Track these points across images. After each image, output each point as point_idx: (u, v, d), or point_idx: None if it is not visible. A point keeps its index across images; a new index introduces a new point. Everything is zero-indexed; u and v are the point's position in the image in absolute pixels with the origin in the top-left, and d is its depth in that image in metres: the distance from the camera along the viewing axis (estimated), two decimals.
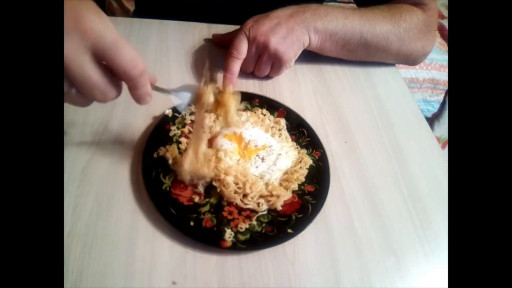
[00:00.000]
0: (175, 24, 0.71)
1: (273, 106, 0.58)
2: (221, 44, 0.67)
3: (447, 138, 1.67)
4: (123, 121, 0.53)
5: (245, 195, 0.46)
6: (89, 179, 0.47)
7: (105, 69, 0.37)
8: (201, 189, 0.47)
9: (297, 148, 0.54)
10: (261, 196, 0.47)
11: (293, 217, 0.45)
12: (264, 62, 0.61)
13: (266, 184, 0.48)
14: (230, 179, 0.46)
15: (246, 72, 0.63)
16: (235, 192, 0.46)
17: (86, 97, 0.38)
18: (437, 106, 1.80)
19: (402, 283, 0.44)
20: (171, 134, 0.52)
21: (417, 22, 0.65)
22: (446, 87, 1.89)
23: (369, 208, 0.50)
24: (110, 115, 0.54)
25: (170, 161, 0.48)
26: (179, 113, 0.54)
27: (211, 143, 0.50)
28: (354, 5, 0.76)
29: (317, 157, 0.52)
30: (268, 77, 0.64)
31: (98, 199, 0.45)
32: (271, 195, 0.47)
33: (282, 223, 0.45)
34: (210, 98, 0.45)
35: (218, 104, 0.46)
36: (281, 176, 0.50)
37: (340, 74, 0.69)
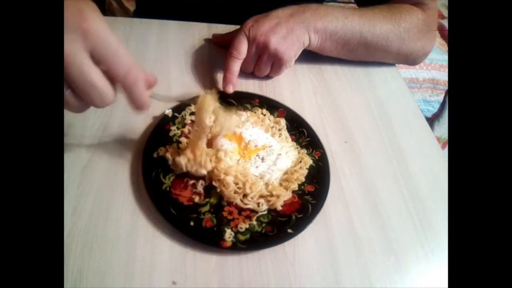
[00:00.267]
0: (175, 24, 0.71)
1: (273, 106, 0.58)
2: (221, 44, 0.67)
3: (447, 138, 1.67)
4: (123, 121, 0.53)
5: (245, 195, 0.46)
6: (89, 179, 0.47)
7: (101, 71, 0.36)
8: (200, 189, 0.47)
9: (297, 148, 0.54)
10: (261, 196, 0.47)
11: (293, 217, 0.45)
12: (264, 62, 0.61)
13: (266, 184, 0.48)
14: (230, 179, 0.46)
15: (246, 72, 0.63)
16: (235, 192, 0.46)
17: (83, 99, 0.37)
18: (437, 106, 1.80)
19: (402, 283, 0.44)
20: (171, 134, 0.52)
21: (417, 22, 0.65)
22: (446, 87, 1.89)
23: (369, 208, 0.50)
24: (110, 115, 0.54)
25: (170, 161, 0.48)
26: (179, 113, 0.54)
27: (211, 143, 0.50)
28: (354, 5, 0.76)
29: (317, 157, 0.52)
30: (268, 77, 0.64)
31: (98, 199, 0.45)
32: (271, 195, 0.47)
33: (282, 223, 0.45)
34: (210, 107, 0.45)
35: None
36: (281, 176, 0.50)
37: (340, 74, 0.69)
